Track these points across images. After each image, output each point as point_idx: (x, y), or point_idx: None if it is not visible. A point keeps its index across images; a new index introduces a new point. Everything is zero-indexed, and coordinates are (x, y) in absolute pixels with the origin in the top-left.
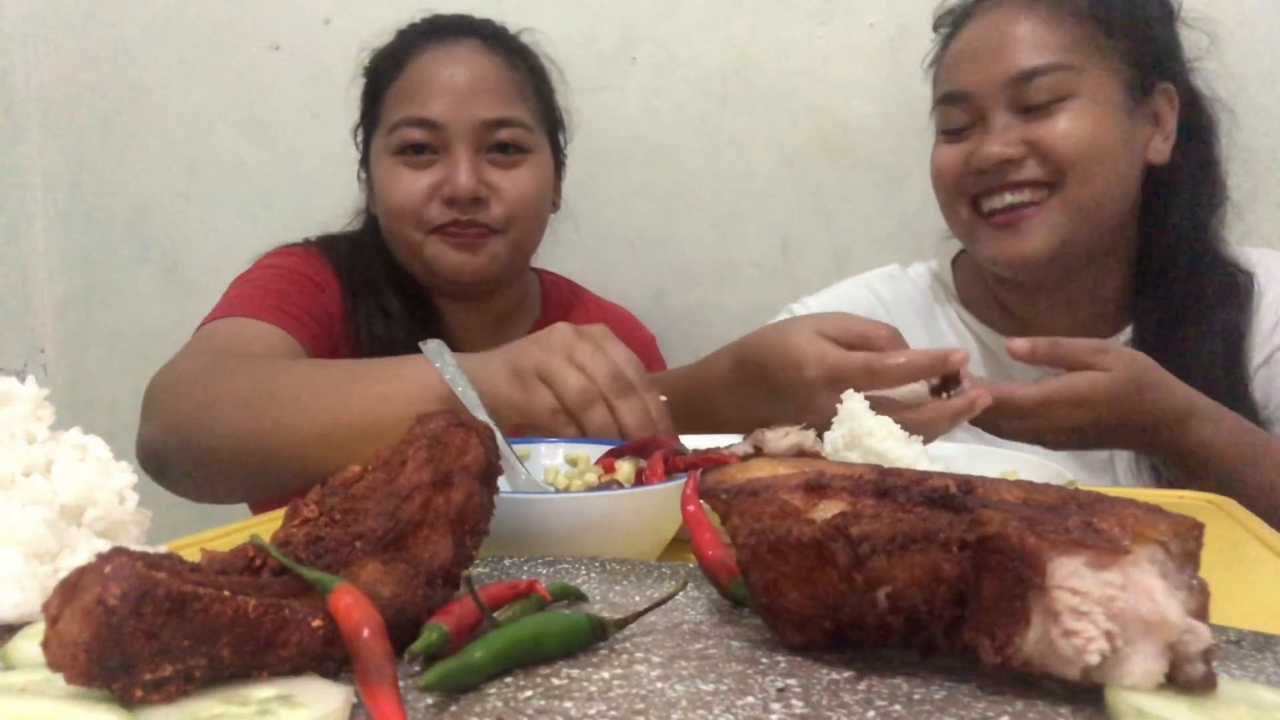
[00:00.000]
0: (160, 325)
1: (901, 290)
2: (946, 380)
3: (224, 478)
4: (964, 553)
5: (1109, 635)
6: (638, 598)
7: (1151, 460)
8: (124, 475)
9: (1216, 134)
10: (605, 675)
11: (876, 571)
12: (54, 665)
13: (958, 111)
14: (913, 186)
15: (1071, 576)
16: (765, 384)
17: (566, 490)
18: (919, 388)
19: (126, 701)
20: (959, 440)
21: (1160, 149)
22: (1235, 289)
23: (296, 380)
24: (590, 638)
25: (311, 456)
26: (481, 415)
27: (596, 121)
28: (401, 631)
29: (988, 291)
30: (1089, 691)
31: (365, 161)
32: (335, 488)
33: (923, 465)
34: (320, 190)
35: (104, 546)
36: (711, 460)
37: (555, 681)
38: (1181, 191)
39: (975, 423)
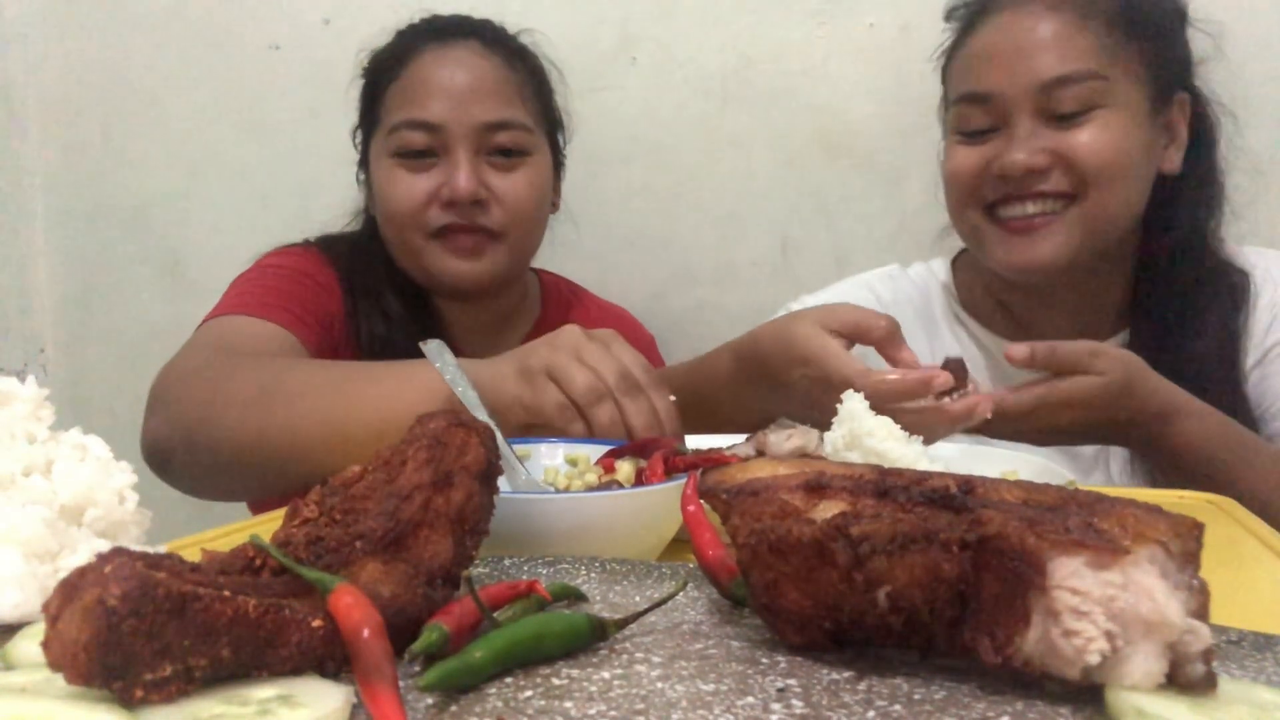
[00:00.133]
0: (160, 325)
1: (901, 290)
2: (955, 380)
3: (228, 476)
4: (964, 553)
5: (1109, 635)
6: (638, 598)
7: (1133, 455)
8: (124, 475)
9: (1219, 139)
10: (605, 675)
11: (876, 571)
12: (54, 665)
13: (979, 113)
14: (913, 186)
15: (1072, 576)
16: (767, 380)
17: (566, 490)
18: None
19: (126, 701)
20: (958, 440)
21: (1173, 159)
22: (1232, 290)
23: (301, 380)
24: (590, 638)
25: (315, 457)
26: (482, 415)
27: (596, 121)
28: (401, 631)
29: (988, 292)
30: (1089, 691)
31: (364, 162)
32: (335, 488)
33: (923, 465)
34: (320, 190)
35: (104, 546)
36: (711, 460)
37: (555, 681)
38: (1186, 199)
39: (967, 429)
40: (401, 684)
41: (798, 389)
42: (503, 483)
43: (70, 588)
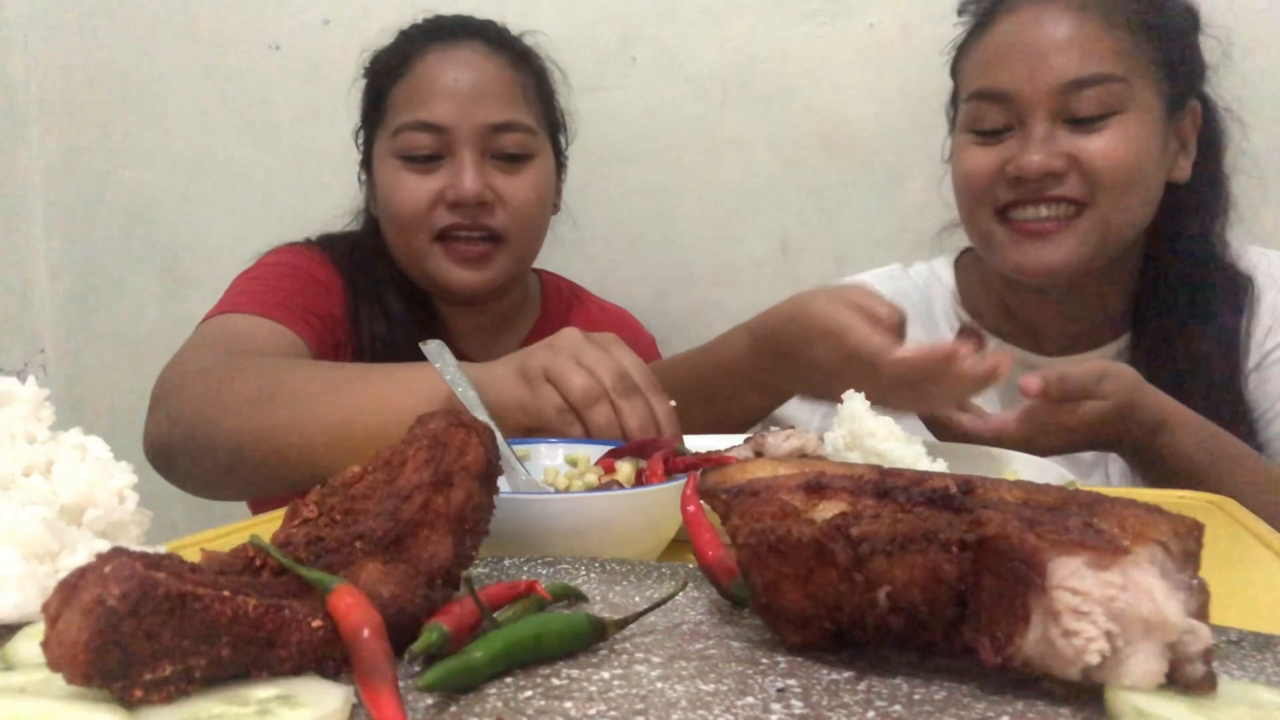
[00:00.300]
0: (160, 325)
1: (902, 290)
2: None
3: (230, 475)
4: (964, 553)
5: (1109, 635)
6: (638, 598)
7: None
8: (124, 475)
9: (1226, 145)
10: (605, 675)
11: (876, 572)
12: (54, 665)
13: (995, 111)
14: (913, 186)
15: (1071, 576)
16: (786, 357)
17: (566, 490)
18: None
19: (126, 701)
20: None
21: (1183, 167)
22: (1235, 293)
23: (302, 381)
24: (590, 638)
25: (316, 457)
26: (482, 416)
27: (596, 122)
28: (401, 631)
29: (990, 293)
30: (1089, 691)
31: (366, 163)
32: (335, 488)
33: (923, 465)
34: (320, 190)
35: (104, 546)
36: (711, 461)
37: (555, 681)
38: (1194, 206)
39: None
40: (401, 684)
41: (820, 364)
42: (503, 483)
43: (70, 588)
